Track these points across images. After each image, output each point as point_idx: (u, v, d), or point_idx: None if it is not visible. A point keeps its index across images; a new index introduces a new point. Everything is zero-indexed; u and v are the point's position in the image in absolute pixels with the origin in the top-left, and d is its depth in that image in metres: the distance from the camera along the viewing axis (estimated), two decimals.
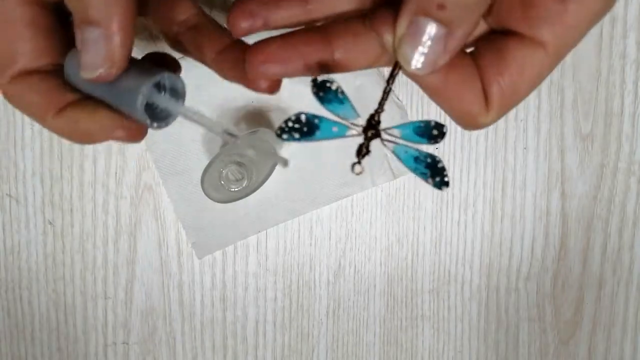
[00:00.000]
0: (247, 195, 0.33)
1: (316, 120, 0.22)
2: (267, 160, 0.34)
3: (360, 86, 0.36)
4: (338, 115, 0.22)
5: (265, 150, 0.33)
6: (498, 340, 0.40)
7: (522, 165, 0.38)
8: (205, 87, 0.36)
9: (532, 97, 0.38)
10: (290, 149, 0.37)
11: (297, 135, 0.22)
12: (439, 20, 0.18)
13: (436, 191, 0.38)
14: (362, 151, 0.23)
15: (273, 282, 0.39)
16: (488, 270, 0.39)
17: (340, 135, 0.23)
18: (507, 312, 0.39)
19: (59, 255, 0.39)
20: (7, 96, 0.23)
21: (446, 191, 0.38)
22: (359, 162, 0.22)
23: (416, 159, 0.23)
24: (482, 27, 0.22)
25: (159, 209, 0.38)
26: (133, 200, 0.38)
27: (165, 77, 0.23)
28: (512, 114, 0.38)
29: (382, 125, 0.23)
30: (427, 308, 0.39)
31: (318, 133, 0.22)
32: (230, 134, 0.24)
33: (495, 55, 0.21)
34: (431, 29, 0.19)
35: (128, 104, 0.22)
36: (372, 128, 0.23)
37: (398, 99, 0.36)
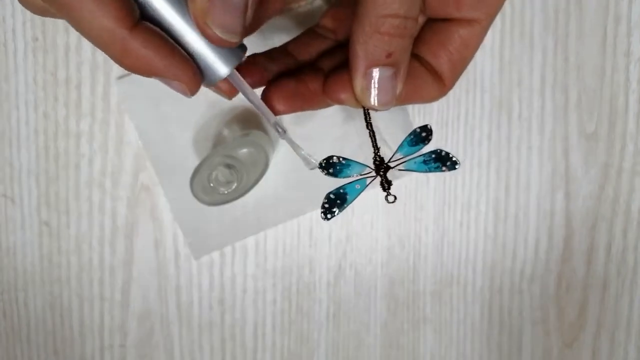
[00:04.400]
0: (236, 198, 0.33)
1: (342, 191, 0.27)
2: (258, 163, 0.33)
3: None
4: (353, 175, 0.27)
5: (257, 153, 0.33)
6: (501, 342, 0.39)
7: (525, 165, 0.38)
8: None
9: (535, 96, 0.37)
10: (289, 150, 0.36)
11: (336, 210, 0.27)
12: (388, 65, 0.22)
13: (438, 192, 0.37)
14: (385, 186, 0.27)
15: (272, 284, 0.39)
16: (491, 271, 0.39)
17: (364, 185, 0.28)
18: (511, 314, 0.39)
19: (54, 256, 0.38)
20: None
21: (448, 192, 0.38)
22: (389, 194, 0.27)
23: (425, 162, 0.27)
24: (420, 19, 0.26)
25: (155, 210, 0.37)
26: (129, 201, 0.37)
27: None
28: (515, 113, 0.37)
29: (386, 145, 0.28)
30: (429, 310, 0.39)
31: (349, 197, 0.27)
32: (280, 129, 0.26)
33: (440, 38, 0.25)
34: (383, 73, 0.23)
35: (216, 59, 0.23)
36: (380, 167, 0.28)
37: None
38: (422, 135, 0.27)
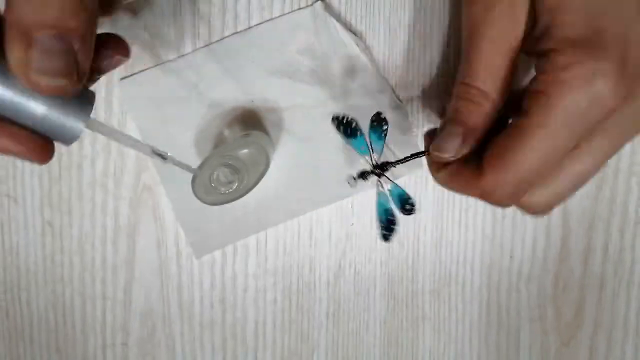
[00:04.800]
0: (236, 198, 0.33)
1: (359, 133, 0.29)
2: (259, 163, 0.33)
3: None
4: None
5: (258, 153, 0.33)
6: (499, 341, 0.40)
7: None
8: (199, 85, 0.36)
9: None
10: (290, 150, 0.37)
11: (343, 130, 0.29)
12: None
13: (437, 192, 0.38)
14: (363, 176, 0.29)
15: (273, 283, 0.39)
16: (489, 271, 0.39)
17: (360, 153, 0.29)
18: (508, 313, 0.39)
19: (57, 256, 0.38)
20: None
21: (447, 192, 0.38)
22: (355, 180, 0.30)
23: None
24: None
25: (157, 210, 0.38)
26: (132, 201, 0.38)
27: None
28: None
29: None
30: (428, 309, 0.39)
31: (354, 141, 0.29)
32: (159, 154, 0.25)
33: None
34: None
35: (52, 123, 0.21)
36: (380, 169, 0.30)
37: (399, 99, 0.36)
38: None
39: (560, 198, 0.27)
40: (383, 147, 0.29)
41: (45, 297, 0.39)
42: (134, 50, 0.35)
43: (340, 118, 0.29)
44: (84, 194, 0.38)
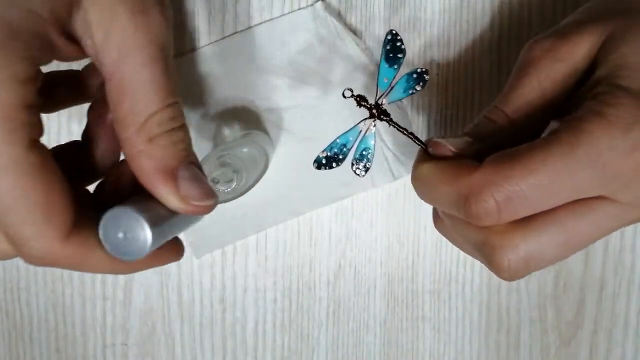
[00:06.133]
0: (236, 197, 0.33)
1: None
2: (258, 163, 0.34)
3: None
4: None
5: (258, 153, 0.33)
6: (499, 341, 0.40)
7: None
8: (200, 85, 0.36)
9: None
10: (290, 150, 0.37)
11: (391, 48, 0.27)
12: None
13: None
14: (359, 100, 0.27)
15: (272, 283, 0.39)
16: (489, 271, 0.39)
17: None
18: (509, 313, 0.39)
19: None
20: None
21: None
22: (351, 94, 0.27)
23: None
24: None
25: None
26: None
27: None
28: None
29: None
30: (428, 309, 0.39)
31: (385, 66, 0.27)
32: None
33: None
34: None
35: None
36: (373, 108, 0.28)
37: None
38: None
39: (540, 257, 0.24)
40: (398, 99, 0.28)
41: (45, 297, 0.39)
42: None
43: (396, 37, 0.27)
44: None
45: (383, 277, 0.39)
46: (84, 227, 0.22)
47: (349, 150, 0.28)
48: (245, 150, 0.33)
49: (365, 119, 0.28)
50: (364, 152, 0.28)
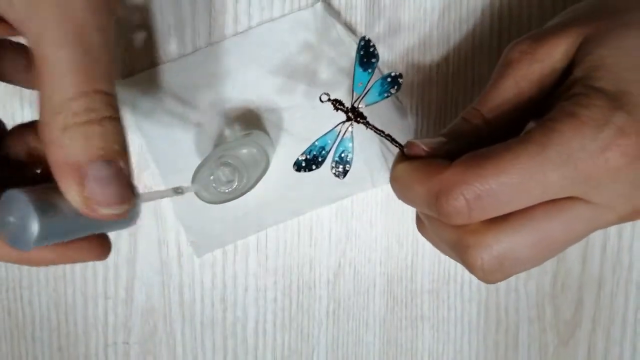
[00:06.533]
0: (237, 197, 0.33)
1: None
2: (259, 163, 0.34)
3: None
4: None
5: (258, 153, 0.33)
6: (497, 340, 0.40)
7: None
8: (200, 85, 0.36)
9: None
10: (290, 150, 0.37)
11: (364, 54, 0.27)
12: None
13: None
14: (335, 104, 0.28)
15: (273, 282, 0.39)
16: None
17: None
18: (507, 312, 0.39)
19: None
20: None
21: None
22: (328, 98, 0.28)
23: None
24: None
25: (159, 209, 0.38)
26: None
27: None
28: None
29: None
30: (427, 308, 0.39)
31: (360, 71, 0.27)
32: (178, 192, 0.27)
33: None
34: None
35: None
36: (354, 113, 0.28)
37: (398, 99, 0.36)
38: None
39: (514, 257, 0.24)
40: (374, 102, 0.28)
41: (47, 296, 0.39)
42: (135, 49, 0.36)
43: (369, 43, 0.27)
44: None
45: (382, 276, 0.39)
46: None
47: (327, 152, 0.28)
48: (245, 150, 0.33)
49: (343, 122, 0.28)
50: (342, 155, 0.29)
